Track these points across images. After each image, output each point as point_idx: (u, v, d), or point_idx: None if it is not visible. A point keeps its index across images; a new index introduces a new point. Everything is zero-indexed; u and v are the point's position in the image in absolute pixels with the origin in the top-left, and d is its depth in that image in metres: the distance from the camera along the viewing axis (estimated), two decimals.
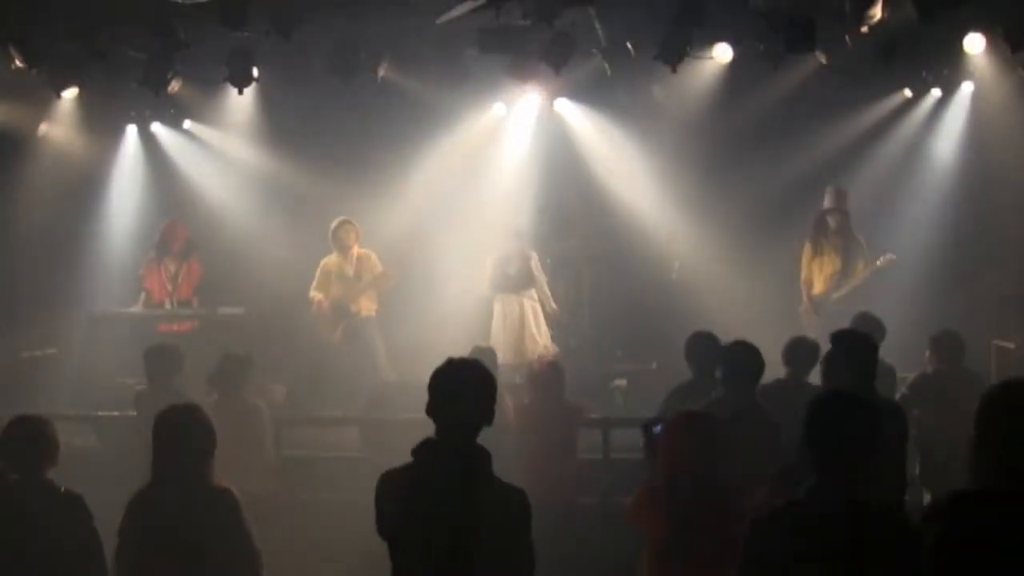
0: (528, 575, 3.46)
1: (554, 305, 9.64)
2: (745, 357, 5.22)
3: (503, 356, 9.02)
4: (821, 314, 8.68)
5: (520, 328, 9.42)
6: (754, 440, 4.76)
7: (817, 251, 8.95)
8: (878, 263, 8.73)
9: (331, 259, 9.45)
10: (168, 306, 9.61)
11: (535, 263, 9.55)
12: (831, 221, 8.88)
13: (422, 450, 3.45)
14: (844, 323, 6.69)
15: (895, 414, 4.72)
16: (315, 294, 9.40)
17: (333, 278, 9.36)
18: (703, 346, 5.93)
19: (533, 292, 9.54)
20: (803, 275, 9.03)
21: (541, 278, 9.61)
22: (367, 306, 9.39)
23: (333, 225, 9.39)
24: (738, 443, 4.38)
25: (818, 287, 8.94)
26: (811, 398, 3.40)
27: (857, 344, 4.75)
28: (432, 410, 3.45)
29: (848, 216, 8.90)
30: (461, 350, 7.07)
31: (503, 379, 7.67)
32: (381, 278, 9.34)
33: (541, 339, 9.47)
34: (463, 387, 3.45)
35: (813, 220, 9.02)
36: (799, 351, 5.93)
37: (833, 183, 9.21)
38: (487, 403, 3.45)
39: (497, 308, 9.54)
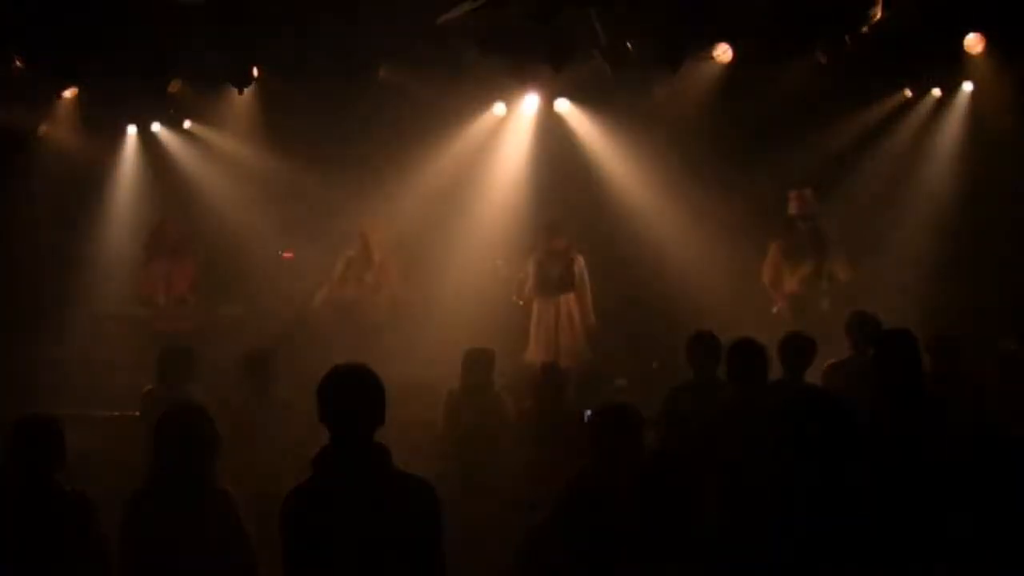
0: (440, 564, 3.49)
1: (593, 318, 9.28)
2: (751, 356, 5.22)
3: (537, 359, 8.96)
4: (811, 312, 8.73)
5: (555, 332, 9.12)
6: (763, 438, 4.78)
7: (788, 255, 8.98)
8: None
9: (356, 258, 9.35)
10: (161, 302, 9.58)
11: (580, 267, 9.19)
12: (802, 225, 8.92)
13: (320, 460, 3.48)
14: (839, 322, 6.77)
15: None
16: (332, 291, 9.29)
17: (351, 280, 9.25)
18: (704, 346, 5.93)
19: (572, 296, 9.19)
20: (769, 277, 9.06)
21: (585, 286, 9.22)
22: (379, 312, 9.30)
23: (361, 228, 9.27)
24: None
25: (790, 287, 8.98)
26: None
27: (904, 343, 4.82)
28: (324, 417, 3.49)
29: (817, 217, 8.95)
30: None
31: (525, 382, 7.63)
32: (397, 293, 9.24)
33: (576, 345, 9.16)
34: (351, 392, 3.49)
35: (782, 225, 9.02)
36: (794, 350, 5.91)
37: (823, 184, 9.22)
38: (377, 405, 3.51)
39: (535, 310, 9.24)
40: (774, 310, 9.02)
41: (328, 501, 3.43)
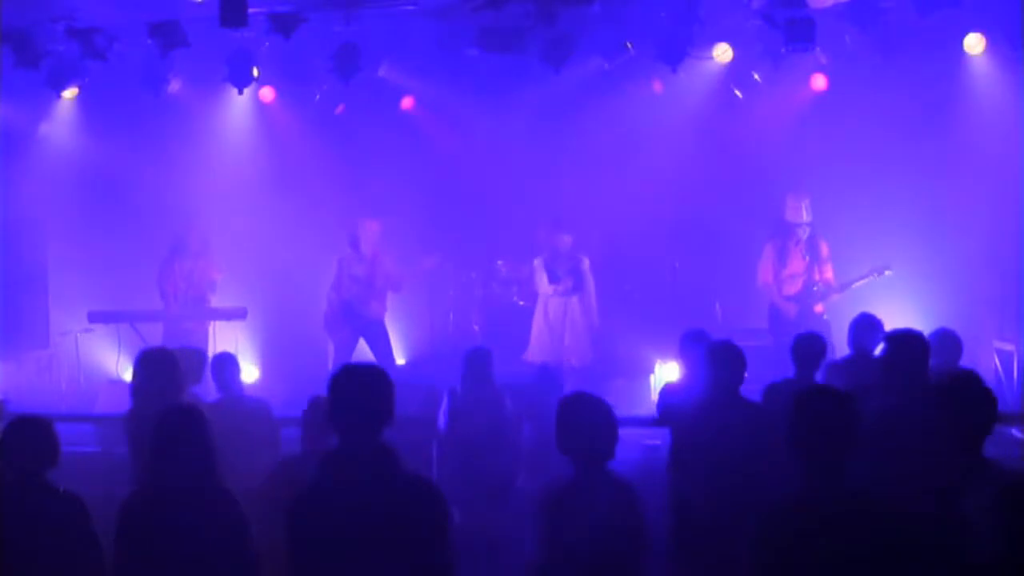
0: (448, 566, 3.48)
1: (596, 319, 9.28)
2: (729, 357, 5.21)
3: (540, 358, 8.95)
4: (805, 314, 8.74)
5: (560, 331, 9.06)
6: (740, 439, 4.81)
7: (782, 256, 8.94)
8: (875, 276, 8.81)
9: (347, 257, 9.33)
10: (179, 300, 9.56)
11: (586, 267, 9.13)
12: (802, 233, 8.88)
13: (327, 461, 3.48)
14: (842, 322, 6.77)
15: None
16: (331, 294, 9.29)
17: (347, 278, 9.23)
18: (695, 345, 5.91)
19: (576, 296, 9.10)
20: (764, 278, 9.02)
21: (590, 285, 9.18)
22: (377, 308, 9.25)
23: (353, 225, 9.25)
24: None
25: (786, 288, 8.94)
26: (795, 394, 3.47)
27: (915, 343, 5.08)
28: (332, 417, 3.48)
29: (811, 225, 8.93)
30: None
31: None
32: (392, 282, 9.20)
33: (580, 345, 9.13)
34: (358, 392, 3.48)
35: (781, 226, 8.96)
36: (806, 349, 5.90)
37: (820, 186, 9.19)
38: (384, 405, 3.48)
39: (540, 308, 9.18)
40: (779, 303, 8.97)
41: (335, 503, 3.42)
